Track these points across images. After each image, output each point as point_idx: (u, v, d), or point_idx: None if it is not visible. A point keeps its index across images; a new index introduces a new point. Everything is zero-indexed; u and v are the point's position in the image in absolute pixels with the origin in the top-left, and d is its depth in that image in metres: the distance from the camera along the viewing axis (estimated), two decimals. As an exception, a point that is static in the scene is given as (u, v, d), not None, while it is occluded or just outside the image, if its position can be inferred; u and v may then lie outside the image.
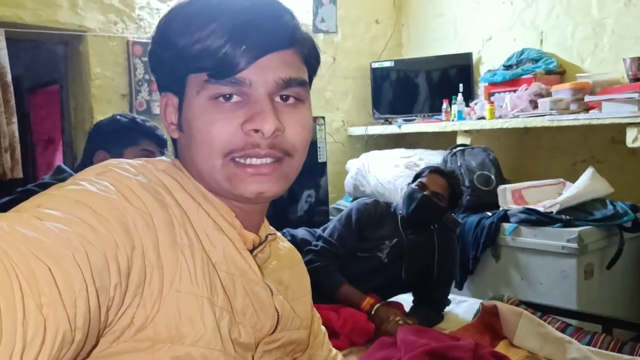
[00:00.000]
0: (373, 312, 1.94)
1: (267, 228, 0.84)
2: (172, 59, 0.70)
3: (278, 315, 0.77)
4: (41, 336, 0.46)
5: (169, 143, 0.82)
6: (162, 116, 0.76)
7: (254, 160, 0.69)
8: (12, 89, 2.73)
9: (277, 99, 0.71)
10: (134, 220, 0.60)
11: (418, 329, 1.74)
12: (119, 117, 1.81)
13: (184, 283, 0.64)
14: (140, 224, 0.61)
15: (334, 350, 1.01)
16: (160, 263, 0.62)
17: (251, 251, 0.76)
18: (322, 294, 1.86)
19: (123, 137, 1.73)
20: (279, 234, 0.89)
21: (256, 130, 0.68)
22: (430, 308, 2.14)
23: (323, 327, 1.00)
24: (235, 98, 0.69)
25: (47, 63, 3.78)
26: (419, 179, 2.22)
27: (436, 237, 2.17)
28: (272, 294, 0.77)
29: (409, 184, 2.25)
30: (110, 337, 0.59)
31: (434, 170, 2.25)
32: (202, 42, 0.66)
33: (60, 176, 1.73)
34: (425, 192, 2.14)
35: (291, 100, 0.72)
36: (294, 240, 2.17)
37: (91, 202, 0.58)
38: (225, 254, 0.71)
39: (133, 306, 0.60)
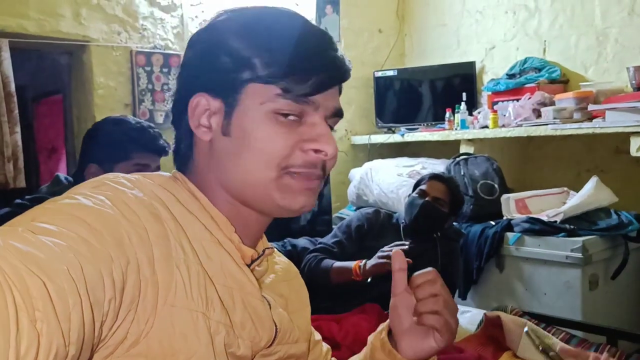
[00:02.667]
0: (367, 268, 1.96)
1: (264, 243, 0.84)
2: (234, 64, 0.70)
3: (276, 329, 0.76)
4: (34, 350, 0.46)
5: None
6: (190, 115, 0.74)
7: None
8: (15, 98, 2.75)
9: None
10: (129, 235, 0.60)
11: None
12: (111, 126, 1.67)
13: (179, 297, 0.64)
14: (135, 239, 0.60)
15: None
16: (155, 278, 0.62)
17: (249, 265, 0.75)
18: (318, 287, 1.91)
19: (113, 150, 1.60)
20: (275, 249, 0.89)
21: (316, 151, 0.72)
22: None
23: (317, 334, 0.99)
24: (291, 117, 0.71)
25: (51, 73, 3.81)
26: (419, 187, 2.23)
27: (439, 247, 2.16)
28: (270, 307, 0.76)
29: (410, 194, 2.26)
30: (104, 352, 0.59)
31: (433, 177, 2.27)
32: (281, 57, 0.69)
33: (57, 188, 1.66)
34: (426, 199, 2.14)
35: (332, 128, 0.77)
36: (294, 249, 2.17)
37: (86, 216, 0.58)
38: (222, 268, 0.70)
39: (127, 321, 0.59)
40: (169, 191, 0.71)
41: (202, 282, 0.67)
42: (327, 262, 2.04)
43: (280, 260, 0.89)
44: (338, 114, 0.77)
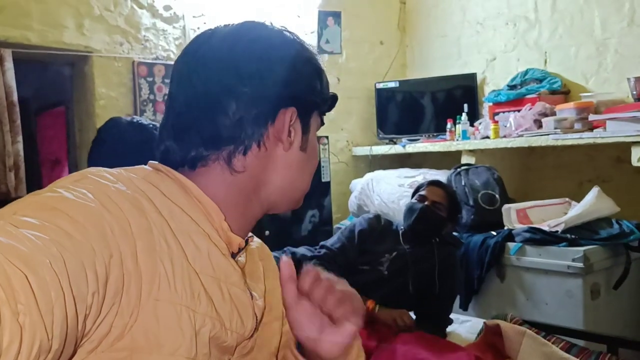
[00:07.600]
0: (377, 312, 2.02)
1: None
2: (322, 91, 0.82)
3: (257, 320, 0.77)
4: (17, 344, 0.46)
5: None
6: (281, 124, 0.75)
7: None
8: (17, 108, 2.76)
9: None
10: (112, 228, 0.59)
11: (419, 336, 1.72)
12: (138, 122, 1.52)
13: (163, 291, 0.63)
14: (117, 232, 0.60)
15: None
16: (139, 271, 0.61)
17: (233, 255, 0.75)
18: None
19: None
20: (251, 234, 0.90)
21: None
22: (433, 325, 2.12)
23: None
24: None
25: (54, 84, 3.83)
26: (419, 193, 2.29)
27: (436, 252, 2.18)
28: (252, 298, 0.76)
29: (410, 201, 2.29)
30: (88, 346, 0.58)
31: (431, 183, 2.34)
32: (328, 90, 0.84)
33: None
34: (425, 203, 2.18)
35: None
36: (293, 257, 2.16)
37: (68, 209, 0.57)
38: (210, 257, 0.70)
39: (111, 314, 0.59)
40: (152, 184, 0.70)
41: (187, 276, 0.66)
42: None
43: (255, 241, 0.91)
44: None
